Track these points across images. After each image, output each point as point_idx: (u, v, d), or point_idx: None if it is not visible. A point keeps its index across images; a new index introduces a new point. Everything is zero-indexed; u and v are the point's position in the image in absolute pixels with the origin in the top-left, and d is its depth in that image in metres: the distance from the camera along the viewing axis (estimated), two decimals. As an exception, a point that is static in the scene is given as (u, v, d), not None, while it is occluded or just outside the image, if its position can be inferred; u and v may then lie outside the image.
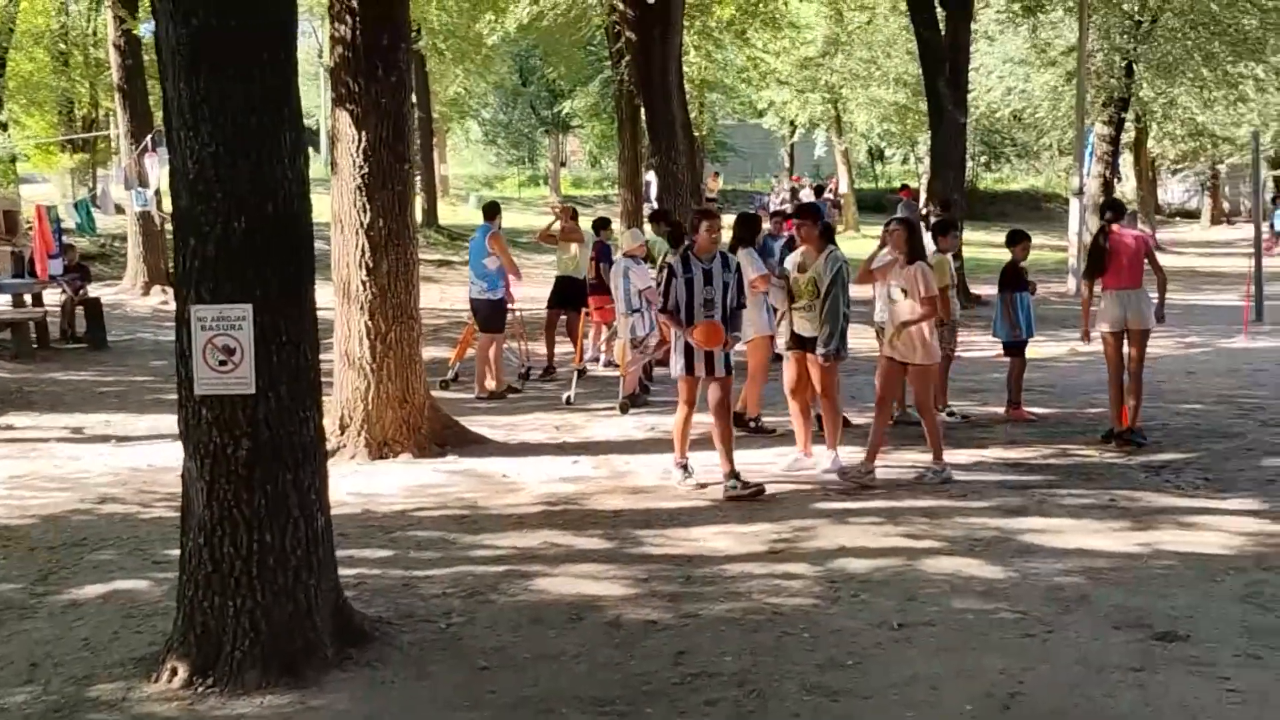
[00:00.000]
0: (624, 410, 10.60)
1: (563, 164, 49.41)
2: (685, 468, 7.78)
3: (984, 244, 27.28)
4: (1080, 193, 22.10)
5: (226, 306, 4.30)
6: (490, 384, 11.71)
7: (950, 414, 9.83)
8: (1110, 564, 5.72)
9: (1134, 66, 30.27)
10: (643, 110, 18.62)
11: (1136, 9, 28.91)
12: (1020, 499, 7.12)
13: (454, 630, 5.07)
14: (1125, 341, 8.72)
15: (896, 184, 47.43)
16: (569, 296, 12.93)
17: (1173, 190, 52.62)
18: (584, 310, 12.69)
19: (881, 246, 8.72)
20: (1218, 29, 29.28)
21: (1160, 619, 4.92)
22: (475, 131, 50.83)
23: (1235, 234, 42.12)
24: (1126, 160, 39.82)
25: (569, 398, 11.20)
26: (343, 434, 8.74)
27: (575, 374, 11.54)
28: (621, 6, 17.97)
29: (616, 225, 23.80)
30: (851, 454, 7.98)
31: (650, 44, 17.43)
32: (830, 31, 30.74)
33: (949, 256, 10.14)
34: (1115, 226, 8.86)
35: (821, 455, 8.19)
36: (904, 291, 7.81)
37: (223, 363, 4.31)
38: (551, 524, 6.89)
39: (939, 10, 20.10)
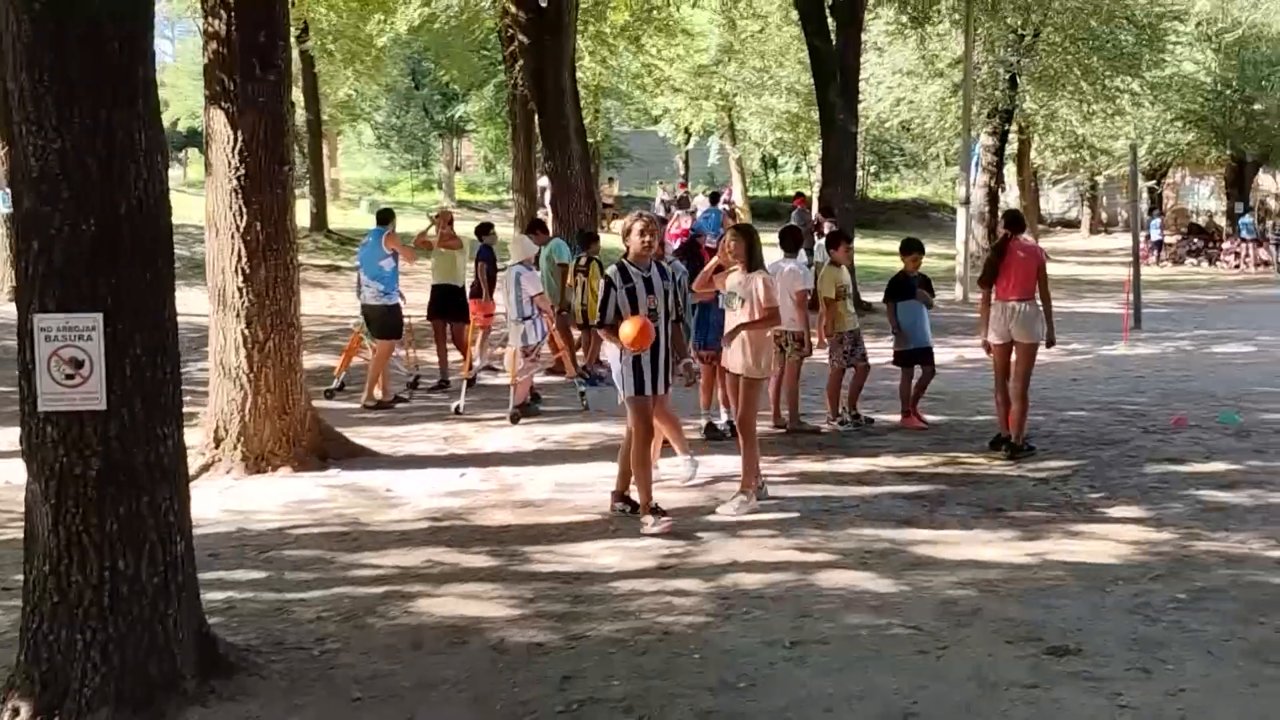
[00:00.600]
0: (515, 420, 10.36)
1: (457, 169, 48.88)
2: (656, 509, 6.79)
3: (874, 252, 27.60)
4: (967, 202, 22.48)
5: (74, 316, 3.98)
6: (378, 393, 11.38)
7: (856, 421, 9.85)
8: (1001, 575, 5.68)
9: (1017, 79, 31.02)
10: (536, 115, 18.40)
11: (1019, 23, 29.61)
12: (912, 509, 7.08)
13: (328, 658, 4.80)
14: (1013, 352, 8.80)
15: (790, 192, 47.98)
16: (448, 305, 12.60)
17: (1054, 200, 54.09)
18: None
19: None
20: (1096, 44, 30.16)
21: (1052, 632, 4.88)
22: (368, 135, 49.96)
23: (1113, 243, 43.45)
24: (1010, 171, 40.81)
25: (458, 407, 10.92)
26: (218, 447, 8.37)
27: (465, 383, 11.27)
28: (513, 9, 17.72)
29: (508, 230, 23.60)
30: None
31: (542, 47, 17.24)
32: (724, 39, 30.87)
33: (843, 268, 10.10)
34: (1015, 238, 8.93)
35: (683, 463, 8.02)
36: (741, 301, 7.59)
37: (70, 376, 3.99)
38: (436, 541, 6.64)
39: (830, 20, 20.25)
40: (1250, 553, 6.05)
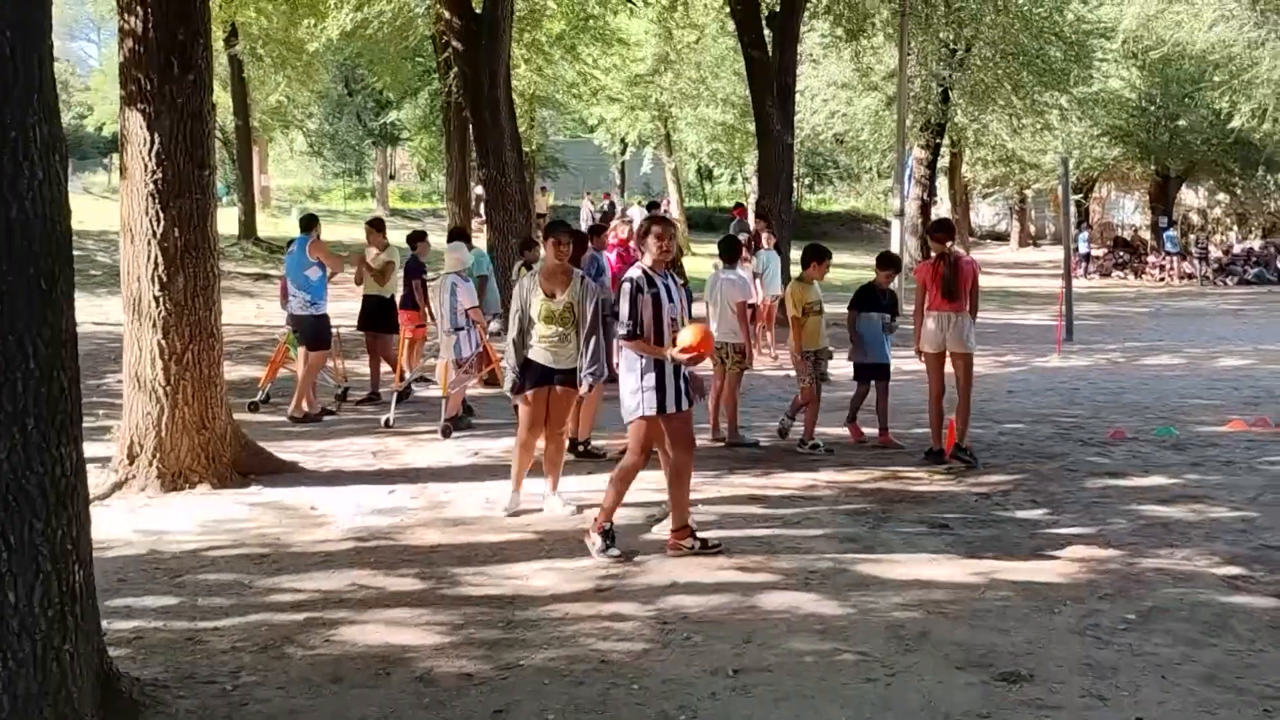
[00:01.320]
0: (446, 434, 10.07)
1: (391, 177, 48.29)
2: (608, 534, 6.40)
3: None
4: (901, 214, 22.54)
5: (-40, 327, 3.66)
6: (304, 406, 11.03)
7: (814, 448, 9.30)
8: (947, 596, 5.52)
9: (950, 93, 31.27)
10: (471, 122, 18.09)
11: (952, 37, 29.85)
12: (855, 526, 6.91)
13: (242, 693, 4.49)
14: (949, 363, 8.74)
15: (725, 203, 48.05)
16: (379, 317, 12.26)
17: (983, 213, 54.82)
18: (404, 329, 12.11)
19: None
20: (1026, 59, 30.48)
21: (1002, 657, 4.71)
22: (300, 142, 49.18)
23: (1042, 256, 44.09)
24: (942, 184, 41.25)
25: (388, 420, 10.61)
26: (132, 464, 7.99)
27: (395, 396, 10.95)
28: (448, 15, 17.41)
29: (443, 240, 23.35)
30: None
31: (477, 54, 16.94)
32: (660, 50, 30.76)
33: (813, 285, 9.60)
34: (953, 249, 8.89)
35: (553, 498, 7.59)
36: None
37: (-45, 393, 3.66)
38: (361, 562, 6.34)
39: (766, 31, 20.21)
40: (1196, 570, 5.96)
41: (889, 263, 10.18)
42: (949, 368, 8.79)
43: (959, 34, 29.60)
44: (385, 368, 12.21)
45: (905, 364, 11.25)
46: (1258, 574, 5.87)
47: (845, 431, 9.79)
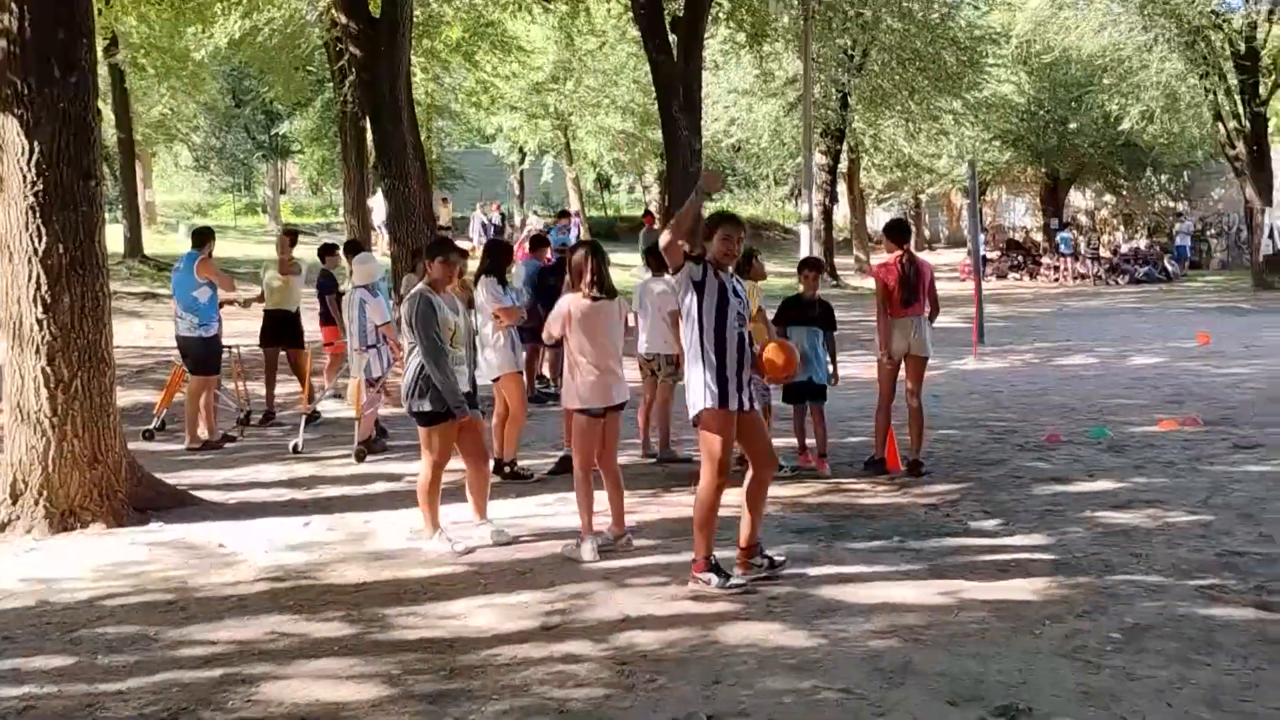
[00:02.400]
0: (360, 458, 9.51)
1: (282, 191, 47.00)
2: (715, 568, 5.82)
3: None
4: (810, 220, 22.45)
5: None
6: (203, 433, 10.35)
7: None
8: (921, 620, 5.18)
9: (849, 98, 31.44)
10: (369, 132, 17.46)
11: (850, 43, 30.01)
12: (808, 545, 6.56)
13: (154, 769, 3.95)
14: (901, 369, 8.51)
15: (626, 212, 47.81)
16: (282, 333, 11.62)
17: (879, 218, 55.45)
18: (312, 346, 11.50)
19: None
20: (922, 64, 30.79)
21: (994, 688, 4.38)
22: (185, 156, 47.62)
23: (937, 259, 44.49)
24: (840, 189, 41.53)
25: (296, 446, 9.99)
26: (15, 503, 7.33)
27: (303, 419, 10.33)
28: (344, 19, 16.76)
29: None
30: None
31: (376, 60, 16.32)
32: (560, 57, 30.36)
33: (757, 286, 9.01)
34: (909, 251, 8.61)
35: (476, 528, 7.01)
36: None
37: None
38: (280, 606, 5.78)
39: (671, 36, 19.92)
40: (1166, 581, 5.72)
41: (811, 265, 9.53)
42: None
43: (857, 40, 29.78)
44: (290, 388, 11.59)
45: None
46: (1230, 583, 5.65)
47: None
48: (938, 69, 30.86)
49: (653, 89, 34.72)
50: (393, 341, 10.07)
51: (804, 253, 22.18)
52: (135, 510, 7.64)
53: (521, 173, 43.13)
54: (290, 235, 12.11)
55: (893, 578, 5.88)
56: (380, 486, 8.63)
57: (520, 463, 8.78)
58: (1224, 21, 28.08)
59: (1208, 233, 39.87)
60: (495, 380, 8.60)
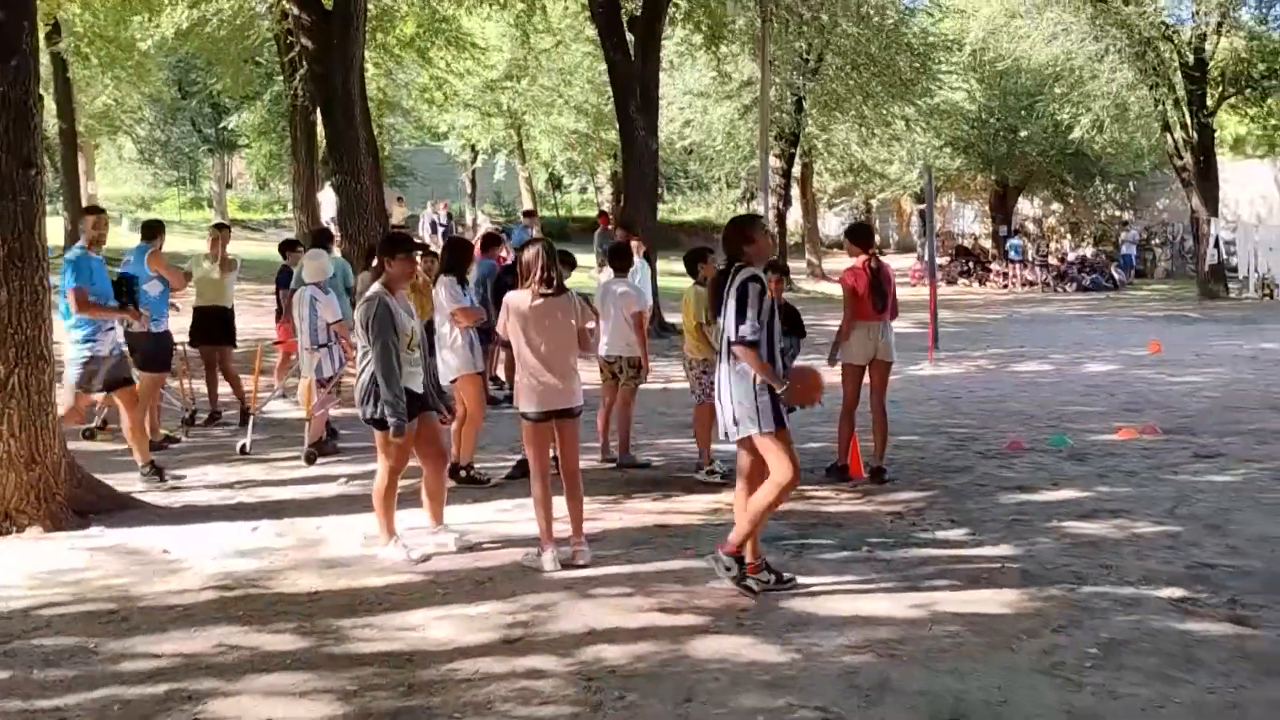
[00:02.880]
0: (310, 461, 9.24)
1: (228, 186, 46.24)
2: (764, 566, 5.79)
3: (664, 273, 27.33)
4: (766, 222, 22.34)
5: None
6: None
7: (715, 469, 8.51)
8: (895, 634, 5.05)
9: (803, 102, 31.45)
10: (320, 125, 17.13)
11: (805, 47, 30.03)
12: (775, 554, 6.38)
13: (94, 795, 3.71)
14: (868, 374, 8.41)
15: (578, 213, 47.60)
16: (215, 330, 11.26)
17: (829, 223, 55.67)
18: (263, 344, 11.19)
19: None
20: (877, 70, 30.87)
21: (975, 707, 4.25)
22: (129, 149, 46.71)
23: (888, 264, 44.78)
24: (794, 193, 41.59)
25: (244, 447, 9.71)
26: (-52, 507, 6.97)
27: (250, 419, 10.03)
28: (297, 11, 16.44)
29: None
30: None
31: (330, 53, 16.06)
32: (514, 55, 30.09)
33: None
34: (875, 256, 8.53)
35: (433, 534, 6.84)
36: None
37: None
38: (228, 616, 5.53)
39: (629, 36, 19.78)
40: (1139, 594, 5.63)
41: (776, 268, 8.80)
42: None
43: (813, 43, 29.80)
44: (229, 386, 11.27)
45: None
46: (1202, 596, 5.58)
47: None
48: (891, 74, 30.97)
49: (607, 89, 34.62)
50: (345, 341, 9.81)
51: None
52: (75, 513, 7.34)
53: (474, 171, 42.72)
54: (222, 230, 11.69)
55: (864, 589, 5.74)
56: (332, 490, 8.38)
57: (476, 466, 8.56)
58: (1173, 33, 28.44)
59: (1152, 242, 40.38)
60: (453, 382, 8.38)
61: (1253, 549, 6.40)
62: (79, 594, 5.92)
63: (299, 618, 5.50)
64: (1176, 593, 5.62)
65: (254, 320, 17.19)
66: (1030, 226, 46.70)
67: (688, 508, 7.62)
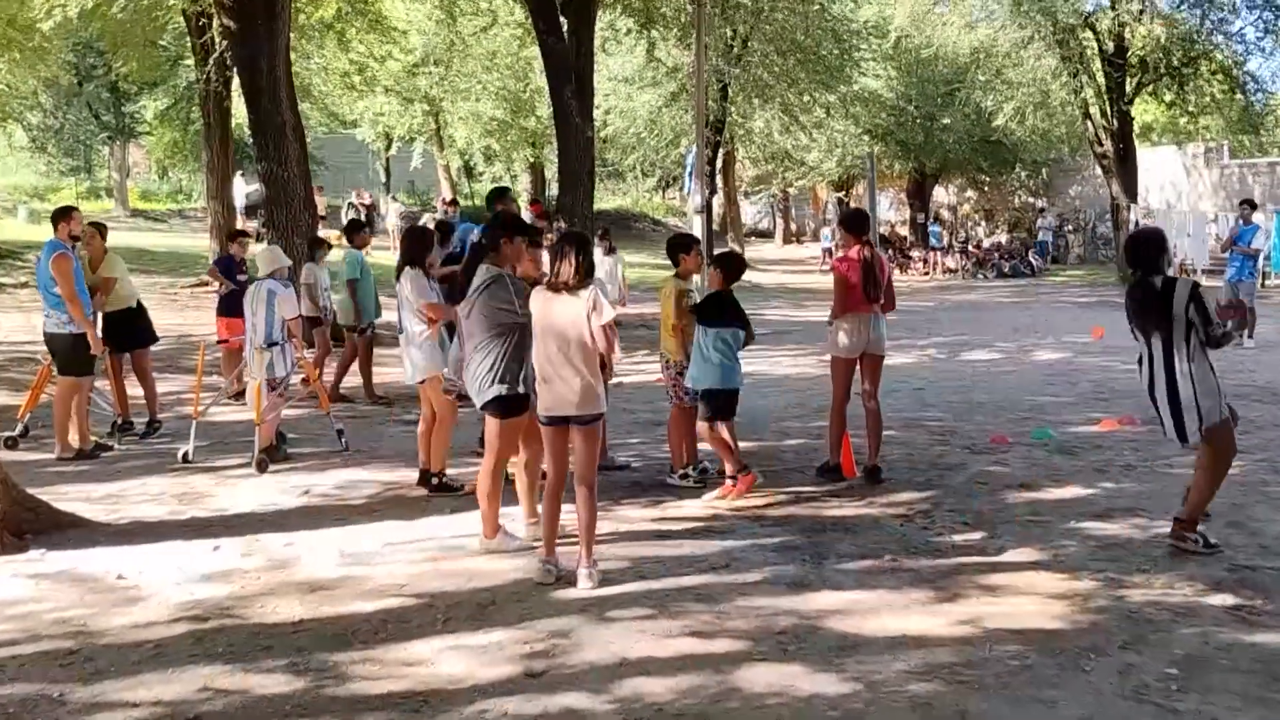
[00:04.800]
0: (262, 469, 8.58)
1: (125, 175, 44.47)
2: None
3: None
4: (701, 211, 21.97)
5: None
6: (74, 440, 9.26)
7: (703, 474, 7.99)
8: (953, 656, 4.66)
9: (728, 89, 31.14)
10: (233, 113, 16.28)
11: (731, 33, 29.71)
12: (792, 566, 5.99)
13: None
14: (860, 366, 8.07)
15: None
16: (123, 332, 10.17)
17: (746, 211, 55.58)
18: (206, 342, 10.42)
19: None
20: (802, 57, 30.68)
21: (1075, 742, 3.88)
22: (20, 137, 44.62)
23: (805, 252, 45.01)
24: (716, 181, 41.29)
25: (186, 454, 8.99)
26: None
27: (193, 424, 9.31)
28: (218, -10, 15.59)
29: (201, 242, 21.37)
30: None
31: (255, 33, 15.25)
32: (434, 40, 29.26)
33: (693, 278, 8.39)
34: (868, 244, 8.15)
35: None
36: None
37: None
38: (207, 654, 4.94)
39: (562, 18, 19.19)
40: (1190, 601, 5.33)
41: (722, 263, 8.20)
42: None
43: (738, 29, 29.48)
44: (166, 386, 10.52)
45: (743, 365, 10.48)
46: (1256, 603, 5.30)
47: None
48: (817, 61, 30.80)
49: (528, 76, 34.06)
50: (297, 339, 9.18)
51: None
52: (11, 535, 6.63)
53: (388, 159, 41.67)
54: (98, 228, 10.55)
55: (900, 604, 5.35)
56: (291, 501, 7.76)
57: (448, 474, 7.99)
58: (1094, 21, 28.70)
59: (1066, 229, 40.97)
60: (420, 383, 7.82)
61: (1284, 547, 6.18)
62: (30, 630, 5.27)
63: (288, 653, 4.93)
64: (1229, 600, 5.34)
65: (169, 316, 16.33)
66: (945, 214, 47.15)
67: (682, 513, 7.18)
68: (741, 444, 9.13)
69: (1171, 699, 4.22)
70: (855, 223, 8.29)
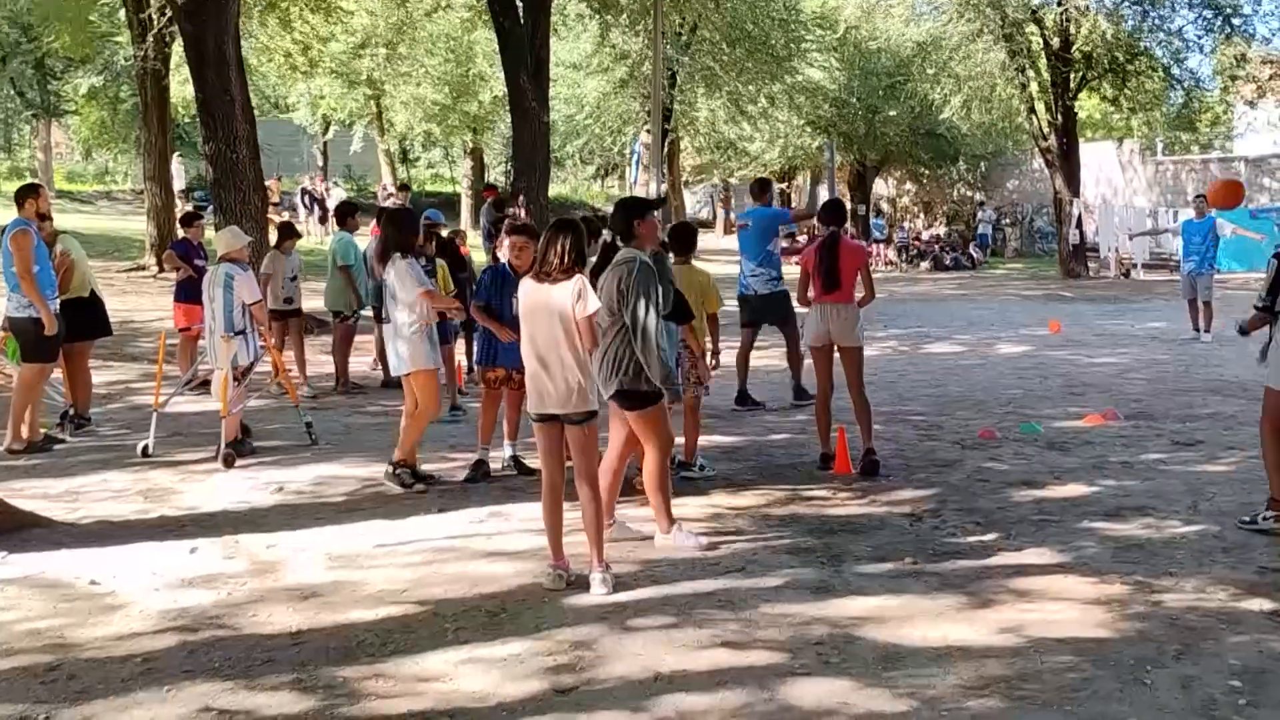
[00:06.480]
0: (228, 463, 8.16)
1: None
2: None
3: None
4: (659, 199, 21.65)
5: None
6: (24, 431, 8.76)
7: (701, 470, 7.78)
8: (1006, 669, 4.43)
9: (676, 77, 30.89)
10: (192, 87, 15.66)
11: (680, 21, 29.43)
12: (810, 569, 5.74)
13: None
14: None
15: (430, 188, 46.11)
16: (78, 323, 9.46)
17: (687, 201, 55.37)
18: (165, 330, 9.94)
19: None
20: (751, 46, 30.52)
21: (1158, 763, 3.67)
22: (-63, 116, 43.10)
23: (858, 244, 44.74)
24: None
25: (146, 447, 8.55)
26: None
27: (154, 415, 8.84)
28: (163, -39, 14.96)
29: (136, 226, 20.75)
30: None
31: (204, 11, 14.65)
32: (380, 21, 28.61)
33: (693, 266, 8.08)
34: (841, 234, 8.01)
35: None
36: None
37: None
38: (202, 669, 4.56)
39: (518, 2, 18.80)
40: (1228, 606, 5.16)
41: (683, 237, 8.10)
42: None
43: (687, 17, 29.21)
44: (109, 376, 10.01)
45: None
46: (1295, 608, 5.15)
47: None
48: (765, 50, 30.66)
49: (469, 60, 33.52)
50: (263, 328, 8.74)
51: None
52: (-32, 537, 6.18)
53: (325, 143, 40.81)
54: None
55: (932, 611, 5.12)
56: (264, 498, 7.36)
57: (404, 470, 7.57)
58: (1041, 15, 28.87)
59: (1003, 222, 41.34)
60: (406, 375, 7.46)
61: (1306, 550, 6.06)
62: (2, 643, 4.85)
63: (291, 667, 4.57)
64: (1265, 604, 5.17)
65: (108, 302, 15.64)
66: (885, 206, 47.37)
67: (683, 513, 6.80)
68: (730, 439, 8.97)
69: (1242, 714, 4.03)
70: (829, 212, 8.26)
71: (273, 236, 12.47)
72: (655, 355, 5.82)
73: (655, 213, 6.29)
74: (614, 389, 5.96)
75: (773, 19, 30.46)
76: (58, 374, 9.57)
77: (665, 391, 6.04)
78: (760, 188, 11.37)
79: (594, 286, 5.78)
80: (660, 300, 5.93)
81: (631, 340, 5.82)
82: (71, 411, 9.52)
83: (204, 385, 10.24)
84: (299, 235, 12.29)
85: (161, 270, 19.64)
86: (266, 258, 11.37)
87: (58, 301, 8.79)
